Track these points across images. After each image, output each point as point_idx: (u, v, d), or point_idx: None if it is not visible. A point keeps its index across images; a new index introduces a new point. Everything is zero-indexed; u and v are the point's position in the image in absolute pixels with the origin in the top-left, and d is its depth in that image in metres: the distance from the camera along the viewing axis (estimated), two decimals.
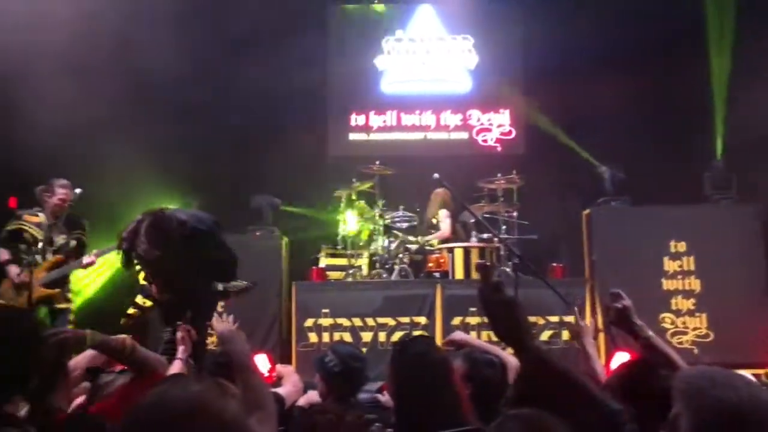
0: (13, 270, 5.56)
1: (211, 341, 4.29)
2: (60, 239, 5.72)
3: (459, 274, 6.94)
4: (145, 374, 2.45)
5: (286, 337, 6.83)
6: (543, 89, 8.43)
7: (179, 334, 2.87)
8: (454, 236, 7.52)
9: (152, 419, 1.01)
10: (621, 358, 6.04)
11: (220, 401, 1.05)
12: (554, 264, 7.10)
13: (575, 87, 8.23)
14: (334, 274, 7.51)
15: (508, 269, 6.80)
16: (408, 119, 9.50)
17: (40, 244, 5.60)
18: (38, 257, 5.61)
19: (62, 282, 5.71)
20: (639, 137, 7.84)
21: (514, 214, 7.55)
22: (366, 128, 9.49)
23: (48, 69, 5.91)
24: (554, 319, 6.37)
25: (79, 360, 2.84)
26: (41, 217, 5.67)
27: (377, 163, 7.68)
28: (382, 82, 9.53)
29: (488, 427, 1.59)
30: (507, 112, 9.43)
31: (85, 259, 5.63)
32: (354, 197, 7.75)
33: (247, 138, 8.11)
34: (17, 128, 6.22)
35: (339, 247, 7.76)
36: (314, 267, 7.42)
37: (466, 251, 7.00)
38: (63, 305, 5.74)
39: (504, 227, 7.45)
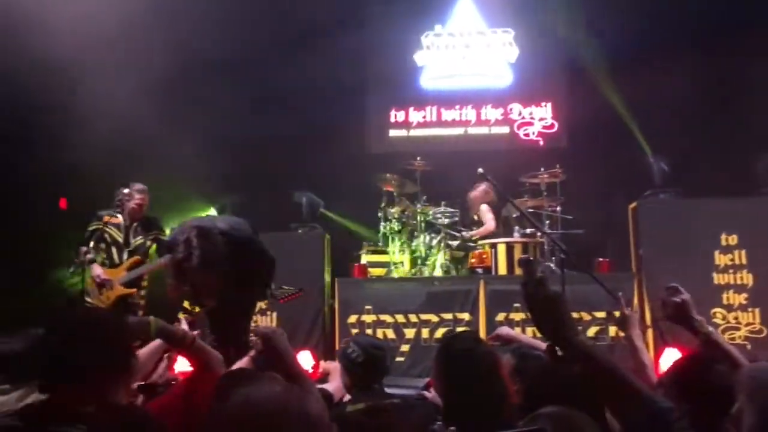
0: (96, 269, 5.80)
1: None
2: (137, 240, 5.99)
3: (502, 269, 6.87)
4: (204, 371, 2.49)
5: (330, 333, 6.86)
6: (586, 81, 8.28)
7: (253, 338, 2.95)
8: (497, 230, 7.45)
9: (243, 417, 1.04)
10: (670, 354, 5.92)
11: (305, 399, 1.09)
12: (600, 259, 6.97)
13: (619, 77, 8.09)
14: (375, 271, 7.51)
15: (552, 264, 6.70)
16: (448, 114, 9.44)
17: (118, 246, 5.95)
18: (117, 258, 5.94)
19: (139, 282, 5.96)
20: (688, 127, 7.64)
21: (558, 208, 7.44)
22: (406, 124, 9.47)
23: (99, 66, 6.05)
24: (600, 314, 6.23)
25: (145, 352, 2.92)
26: (120, 219, 5.96)
27: (418, 159, 7.66)
28: (421, 77, 9.49)
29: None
30: (549, 106, 9.29)
31: (162, 260, 5.73)
32: (395, 193, 7.74)
33: (287, 135, 8.16)
34: (71, 125, 6.39)
35: (380, 243, 7.76)
36: (356, 264, 7.43)
37: (509, 246, 6.93)
38: (138, 303, 5.97)
39: (548, 222, 7.34)
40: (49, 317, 2.00)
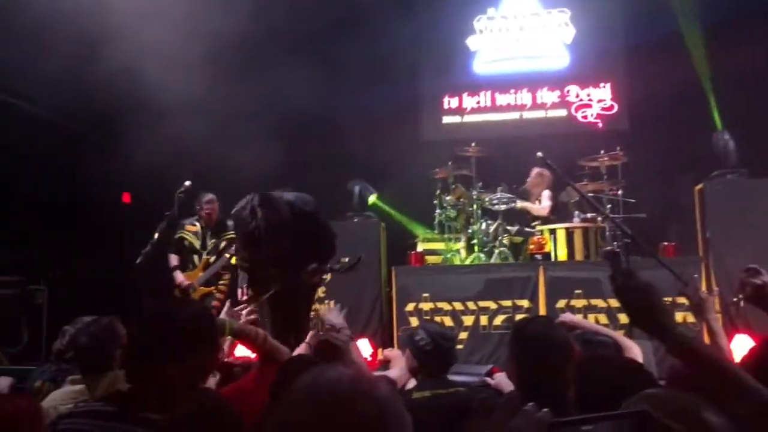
0: (179, 276, 6.44)
1: None
2: (211, 243, 6.56)
3: (562, 255, 6.73)
4: (274, 361, 2.54)
5: (387, 321, 6.86)
6: (646, 60, 8.01)
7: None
8: (552, 216, 7.31)
9: (316, 399, 1.01)
10: (741, 340, 5.68)
11: (375, 382, 1.06)
12: (665, 243, 6.74)
13: (680, 56, 7.78)
14: (431, 259, 7.46)
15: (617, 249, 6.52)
16: (503, 99, 9.29)
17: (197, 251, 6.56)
18: (197, 262, 6.54)
19: (216, 279, 6.49)
20: (757, 105, 7.29)
21: (619, 192, 7.22)
22: (460, 110, 9.36)
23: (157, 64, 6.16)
24: (668, 299, 6.02)
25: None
26: (197, 226, 6.59)
27: (473, 145, 7.56)
28: (474, 62, 9.36)
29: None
30: (608, 86, 9.03)
31: (227, 255, 6.26)
32: (451, 180, 7.66)
33: (340, 123, 8.15)
34: (138, 124, 6.59)
35: (436, 231, 7.70)
36: (412, 252, 7.40)
37: (569, 232, 6.78)
38: (220, 299, 6.36)
39: (609, 206, 7.14)
40: (145, 309, 2.02)
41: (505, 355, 2.36)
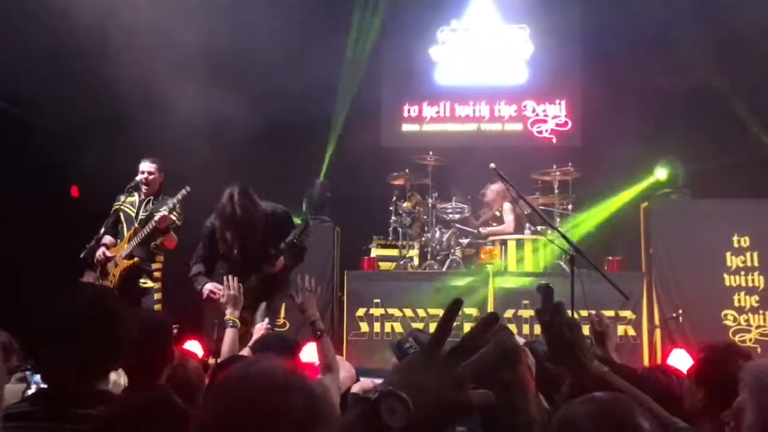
0: (99, 250, 5.64)
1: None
2: (144, 215, 5.74)
3: (512, 266, 6.87)
4: None
5: (338, 326, 6.89)
6: (599, 79, 8.24)
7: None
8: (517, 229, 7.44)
9: (248, 388, 1.00)
10: (679, 354, 5.90)
11: (306, 377, 1.05)
12: (610, 258, 6.96)
13: (633, 75, 8.03)
14: (385, 265, 7.53)
15: (562, 262, 6.70)
16: (462, 110, 9.43)
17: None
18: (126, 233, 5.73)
19: (145, 250, 5.68)
20: (700, 128, 7.56)
21: (570, 206, 7.42)
22: (419, 119, 9.47)
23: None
24: (610, 313, 6.20)
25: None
26: (135, 197, 5.82)
27: (430, 153, 7.66)
28: (436, 72, 9.48)
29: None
30: (563, 104, 9.26)
31: (156, 216, 5.52)
32: (407, 188, 7.74)
33: (300, 126, 8.16)
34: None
35: (390, 237, 7.77)
36: (365, 257, 7.45)
37: (519, 243, 6.93)
38: (149, 284, 5.72)
39: (558, 220, 7.34)
40: (59, 303, 1.99)
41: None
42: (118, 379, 2.55)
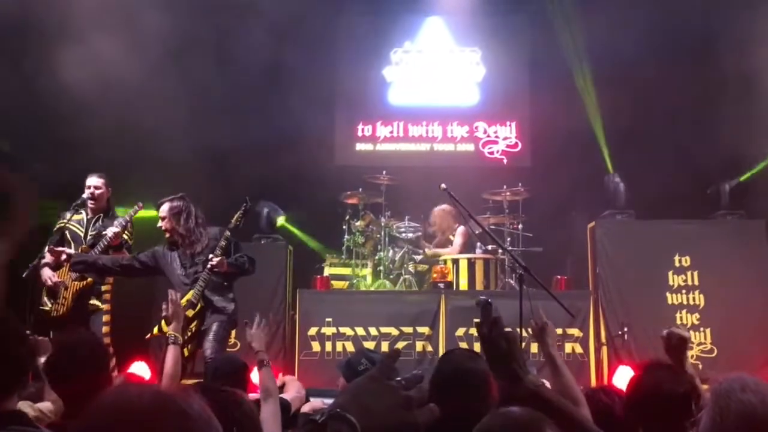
0: (46, 272, 5.40)
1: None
2: (92, 235, 5.54)
3: (463, 285, 6.95)
4: None
5: (290, 345, 6.84)
6: (547, 102, 8.45)
7: None
8: (464, 252, 7.51)
9: (113, 415, 0.95)
10: (624, 371, 6.05)
11: (180, 399, 0.98)
12: (558, 276, 7.11)
13: (577, 99, 8.29)
14: (338, 284, 7.52)
15: (512, 281, 6.81)
16: (415, 130, 9.54)
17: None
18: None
19: (99, 284, 5.55)
20: (645, 150, 7.82)
21: (519, 226, 7.57)
22: (373, 138, 9.53)
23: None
24: (558, 331, 6.34)
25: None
26: (82, 215, 5.61)
27: (384, 173, 7.72)
28: (389, 93, 9.58)
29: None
30: (513, 125, 9.46)
31: (109, 232, 5.34)
32: (360, 207, 7.77)
33: (251, 144, 8.12)
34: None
35: (344, 256, 7.77)
36: (318, 276, 7.43)
37: (471, 262, 7.02)
38: (99, 306, 5.58)
39: (509, 239, 7.47)
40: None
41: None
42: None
